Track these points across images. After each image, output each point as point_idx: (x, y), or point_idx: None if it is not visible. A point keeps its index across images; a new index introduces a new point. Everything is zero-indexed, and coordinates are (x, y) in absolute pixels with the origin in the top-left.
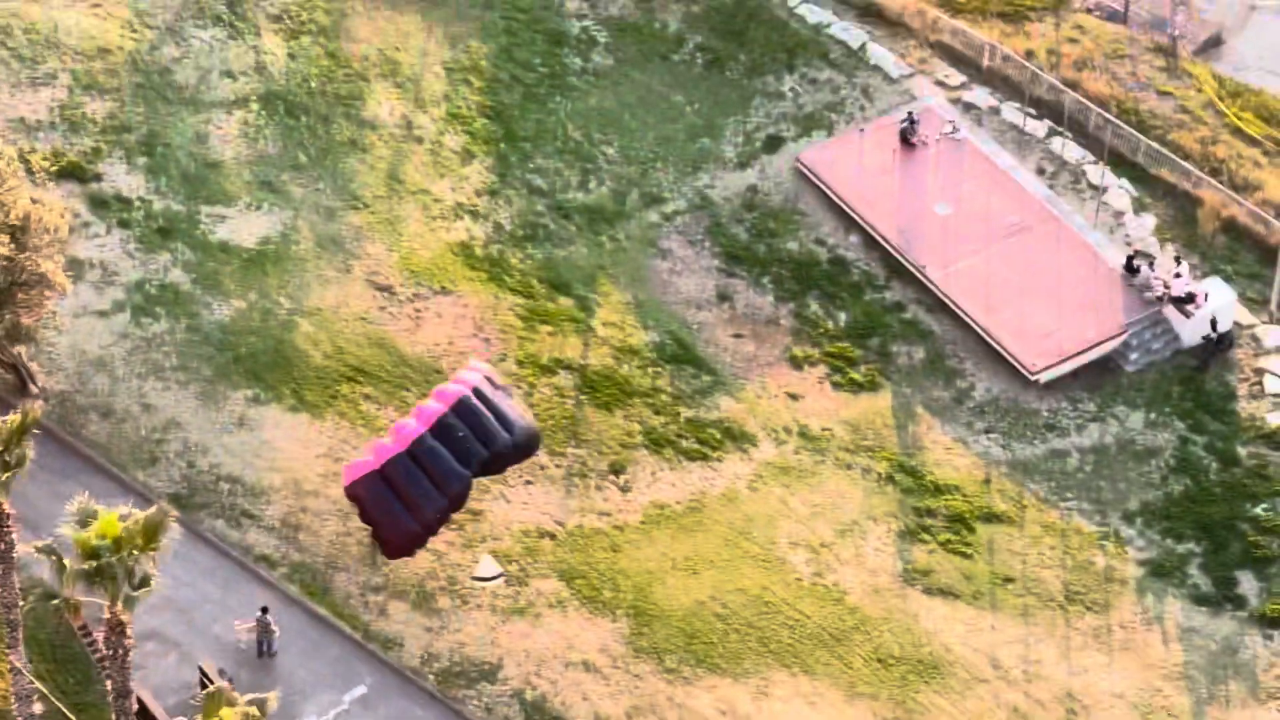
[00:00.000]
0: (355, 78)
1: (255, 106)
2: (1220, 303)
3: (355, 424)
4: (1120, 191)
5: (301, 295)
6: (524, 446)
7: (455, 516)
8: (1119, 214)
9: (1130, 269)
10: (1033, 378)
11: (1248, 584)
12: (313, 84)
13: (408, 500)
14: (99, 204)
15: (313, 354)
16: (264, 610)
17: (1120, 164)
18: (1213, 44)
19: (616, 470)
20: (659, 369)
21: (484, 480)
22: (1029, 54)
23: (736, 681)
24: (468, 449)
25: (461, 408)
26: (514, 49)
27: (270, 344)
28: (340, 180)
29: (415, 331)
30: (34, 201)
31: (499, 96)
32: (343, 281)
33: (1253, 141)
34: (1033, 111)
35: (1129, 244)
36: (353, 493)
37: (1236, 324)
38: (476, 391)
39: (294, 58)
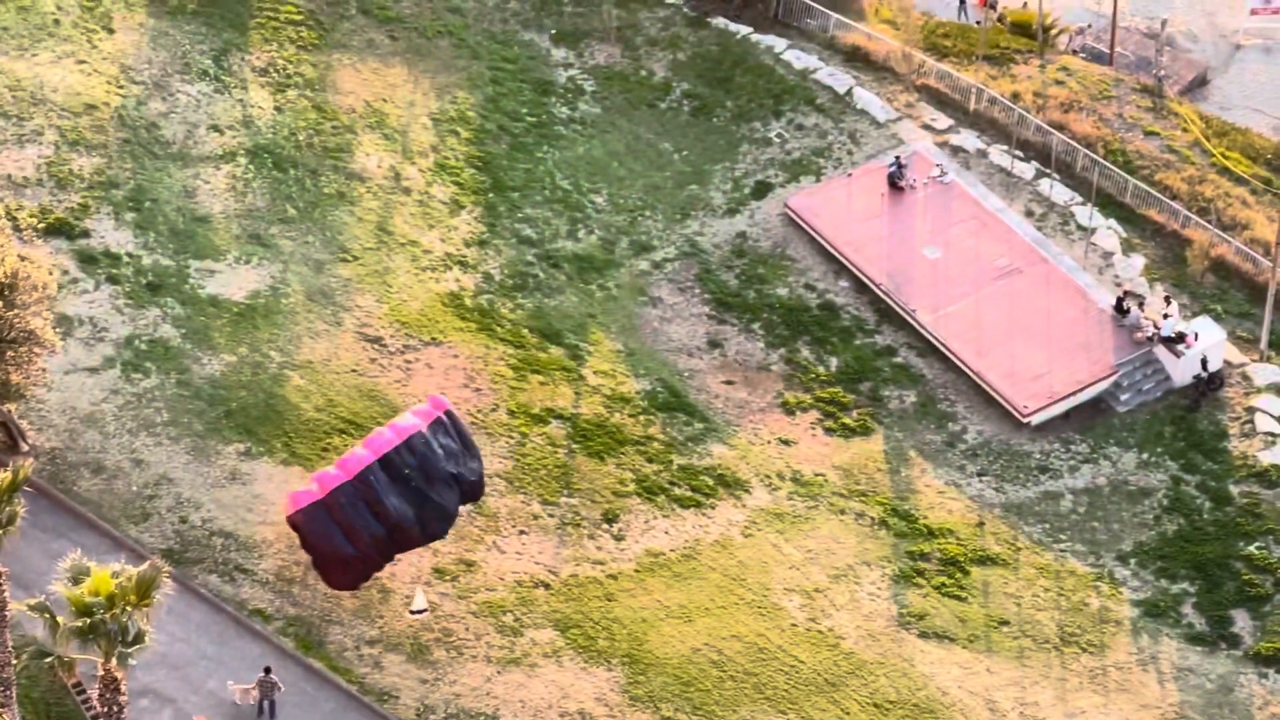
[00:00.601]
0: (342, 130)
1: (243, 160)
2: (1210, 342)
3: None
4: (1109, 232)
5: (292, 348)
6: (469, 493)
7: (450, 567)
8: (1108, 254)
9: (1120, 309)
10: (1024, 420)
11: (1242, 622)
12: (300, 137)
13: (348, 530)
14: (87, 260)
15: (304, 407)
16: (267, 670)
17: (1108, 205)
18: (1198, 84)
19: (610, 519)
20: (651, 417)
21: (477, 530)
22: (1015, 96)
23: None
24: (412, 485)
25: (412, 443)
26: (501, 99)
27: (261, 398)
28: (329, 233)
29: (406, 383)
30: (21, 259)
31: (487, 146)
32: (333, 334)
33: (1240, 180)
34: (1020, 154)
35: (1118, 284)
36: (293, 521)
37: (1227, 363)
38: (431, 427)
39: (281, 111)
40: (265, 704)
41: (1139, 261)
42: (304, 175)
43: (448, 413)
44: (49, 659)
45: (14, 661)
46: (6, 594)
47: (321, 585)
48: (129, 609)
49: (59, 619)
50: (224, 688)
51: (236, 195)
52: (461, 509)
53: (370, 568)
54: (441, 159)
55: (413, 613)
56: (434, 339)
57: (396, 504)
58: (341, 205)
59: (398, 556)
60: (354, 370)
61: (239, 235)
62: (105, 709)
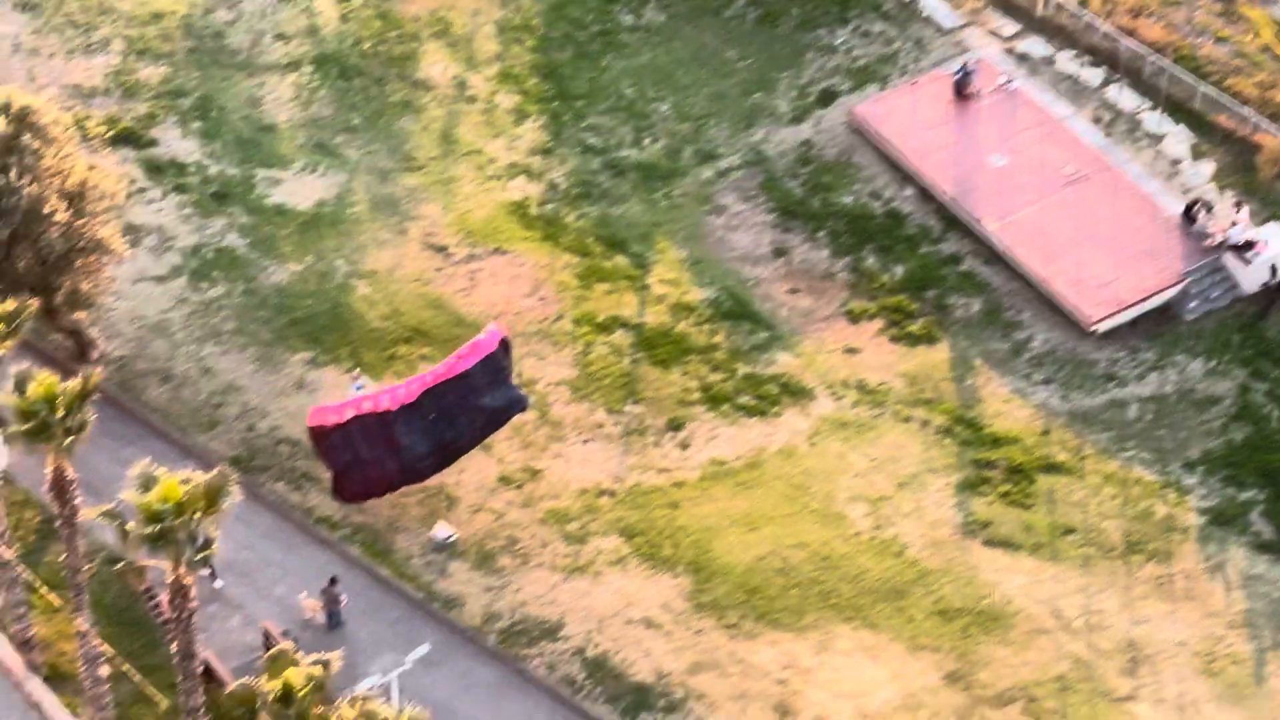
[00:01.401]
0: (407, 39)
1: (308, 69)
2: (1279, 248)
3: None
4: (1177, 139)
5: (358, 257)
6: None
7: (515, 475)
8: (1176, 161)
9: (1188, 217)
10: (1090, 328)
11: None
12: (365, 46)
13: (364, 459)
14: (154, 169)
15: (369, 316)
16: (333, 581)
17: (1177, 110)
18: None
19: (675, 427)
20: (716, 325)
21: (542, 439)
22: (1083, 2)
23: (798, 636)
24: (435, 429)
25: (446, 387)
26: (566, 6)
27: (327, 306)
28: (394, 142)
29: (471, 292)
30: (90, 168)
31: (551, 55)
32: (398, 243)
33: None
34: (1088, 60)
35: (1187, 191)
36: (314, 435)
37: None
38: (468, 373)
39: (346, 20)
40: (328, 614)
41: (1207, 168)
42: (369, 84)
43: (503, 342)
44: (119, 566)
45: (85, 568)
46: (77, 501)
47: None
48: (197, 516)
49: (129, 526)
50: (291, 594)
51: (302, 104)
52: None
53: (379, 491)
54: (506, 67)
55: (438, 542)
56: (499, 248)
57: (412, 441)
58: (406, 114)
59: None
60: (419, 279)
61: (304, 144)
62: (175, 615)
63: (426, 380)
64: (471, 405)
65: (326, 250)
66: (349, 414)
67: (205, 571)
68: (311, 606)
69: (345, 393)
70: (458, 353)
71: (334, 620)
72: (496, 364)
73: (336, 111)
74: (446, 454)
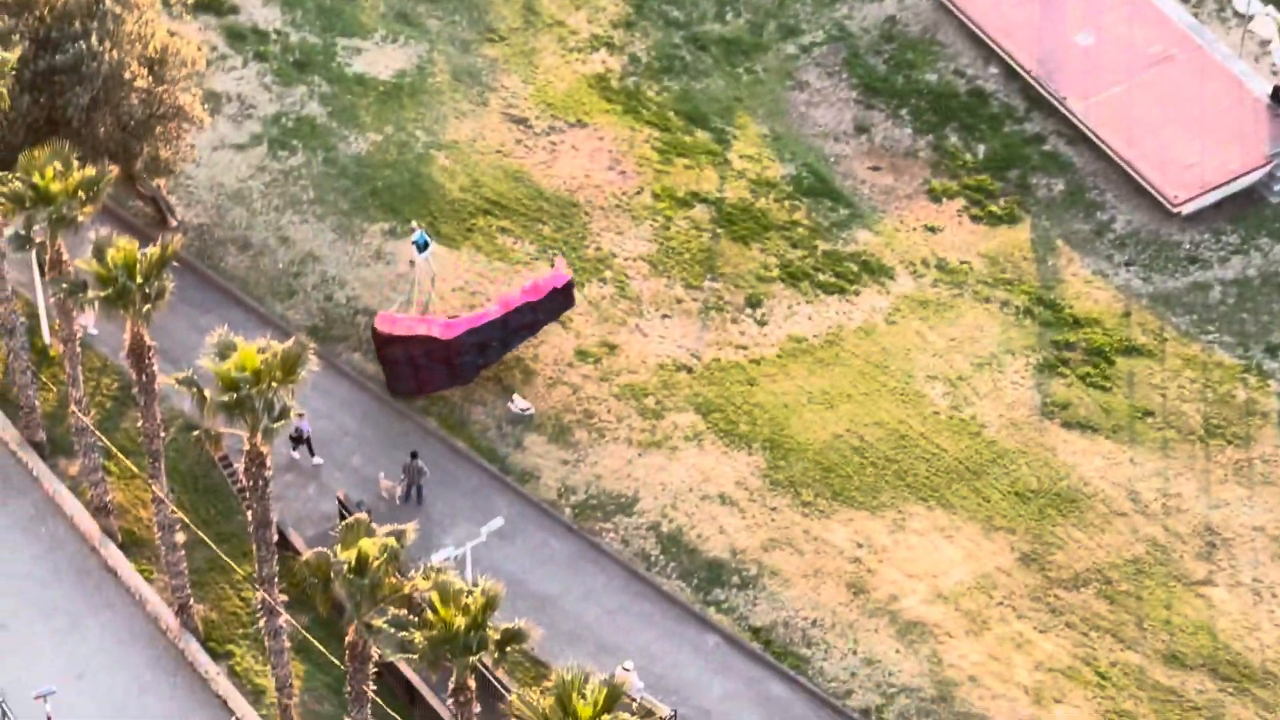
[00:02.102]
0: None
1: None
2: None
3: (491, 257)
4: (1267, 19)
5: (437, 128)
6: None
7: (592, 349)
8: (1265, 42)
9: (1277, 99)
10: (1175, 209)
11: None
12: None
13: (419, 366)
14: (236, 37)
15: (449, 187)
16: (414, 455)
17: None
18: None
19: (753, 304)
20: (796, 202)
21: (620, 313)
22: None
23: (873, 515)
24: (490, 351)
25: (510, 317)
26: None
27: (406, 177)
28: (476, 12)
29: (551, 165)
30: (171, 34)
31: None
32: (478, 114)
33: None
34: None
35: (1275, 73)
36: (376, 339)
37: None
38: (534, 306)
39: None
40: (412, 490)
41: None
42: None
43: (568, 284)
44: (196, 433)
45: (163, 434)
46: (155, 367)
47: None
48: (274, 385)
49: (206, 393)
50: (367, 464)
51: None
52: None
53: (429, 391)
54: None
55: (515, 415)
56: (579, 121)
57: (467, 361)
58: None
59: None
60: (499, 151)
61: (386, 14)
62: (251, 482)
63: (492, 314)
64: (527, 333)
65: (406, 120)
66: (418, 330)
67: (300, 451)
68: (387, 487)
69: (411, 251)
70: (524, 287)
71: (417, 495)
72: (556, 303)
73: None
74: (495, 360)
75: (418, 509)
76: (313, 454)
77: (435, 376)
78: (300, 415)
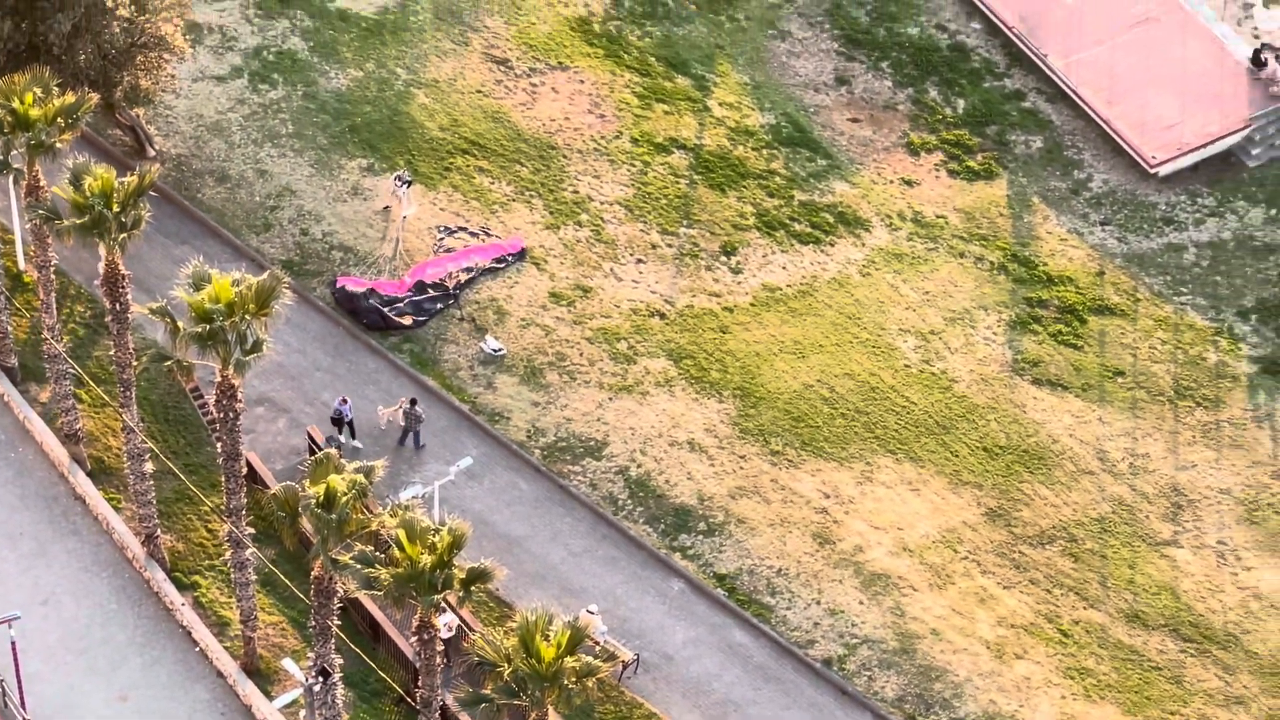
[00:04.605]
0: None
1: None
2: None
3: (469, 196)
4: None
5: (419, 66)
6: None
7: (566, 292)
8: (1248, 5)
9: (1257, 62)
10: (1152, 170)
11: None
12: None
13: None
14: None
15: (428, 125)
16: (413, 402)
17: None
18: None
19: (728, 251)
20: (774, 151)
21: (594, 257)
22: None
23: (841, 466)
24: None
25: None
26: None
27: (386, 114)
28: None
29: (531, 106)
30: None
31: None
32: (460, 54)
33: None
34: None
35: (1257, 37)
36: (334, 293)
37: None
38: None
39: None
40: (410, 435)
41: None
42: None
43: (522, 251)
44: (168, 363)
45: (134, 364)
46: (129, 296)
47: (439, 302)
48: (248, 317)
49: (179, 324)
50: (337, 398)
51: None
52: None
53: (383, 329)
54: None
55: (487, 355)
56: (561, 63)
57: (415, 310)
58: None
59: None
60: (479, 91)
61: None
62: (222, 415)
63: (445, 265)
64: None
65: (387, 58)
66: (364, 287)
67: (342, 434)
68: (387, 414)
69: (398, 195)
70: (478, 247)
71: (416, 440)
72: (506, 264)
73: None
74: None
75: (386, 448)
76: (354, 436)
77: (385, 319)
78: (344, 400)
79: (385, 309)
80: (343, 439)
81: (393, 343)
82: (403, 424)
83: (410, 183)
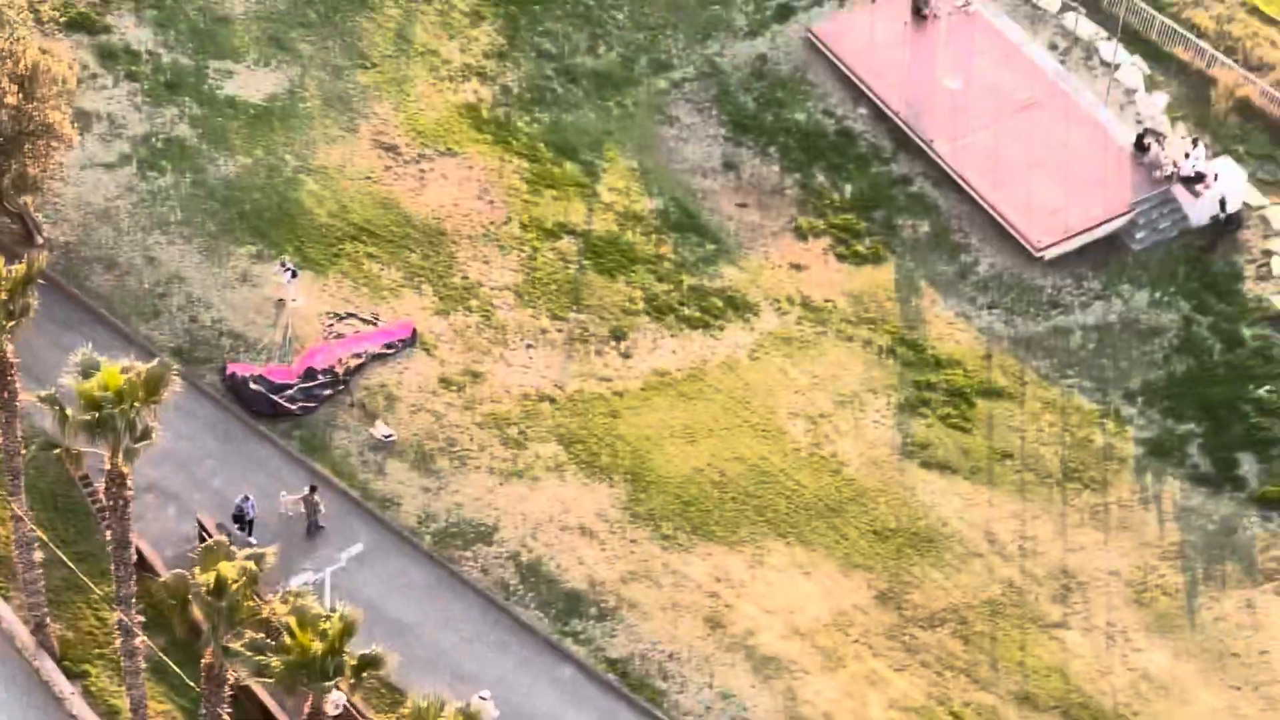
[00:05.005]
0: None
1: None
2: (1230, 183)
3: (358, 282)
4: (1132, 69)
5: (307, 153)
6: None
7: (456, 377)
8: (1131, 91)
9: (1140, 147)
10: (1038, 254)
11: (1248, 465)
12: None
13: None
14: (107, 56)
15: (317, 212)
16: (312, 489)
17: (1133, 41)
18: None
19: (618, 336)
20: (663, 236)
21: (485, 342)
22: None
23: (732, 550)
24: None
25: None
26: None
27: (275, 201)
28: (349, 39)
29: (420, 192)
30: (42, 52)
31: None
32: (349, 140)
33: (1269, 20)
34: None
35: (1140, 122)
36: (223, 379)
37: (1246, 205)
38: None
39: None
40: (309, 522)
41: (1162, 99)
42: None
43: (413, 333)
44: (57, 451)
45: (23, 452)
46: (17, 385)
47: (328, 389)
48: (137, 405)
49: (68, 411)
50: (229, 486)
51: None
52: None
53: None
54: None
55: (377, 441)
56: (449, 149)
57: (302, 396)
58: (362, 11)
59: (400, 366)
60: (368, 177)
61: (259, 37)
62: (111, 502)
63: (335, 351)
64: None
65: (276, 145)
66: (253, 373)
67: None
68: (288, 503)
69: (285, 284)
70: (368, 333)
71: (313, 527)
72: (396, 350)
73: (292, 6)
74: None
75: (278, 535)
76: (251, 533)
77: (273, 406)
78: (246, 498)
79: (275, 395)
80: (242, 536)
81: (283, 429)
82: (304, 512)
83: (295, 272)
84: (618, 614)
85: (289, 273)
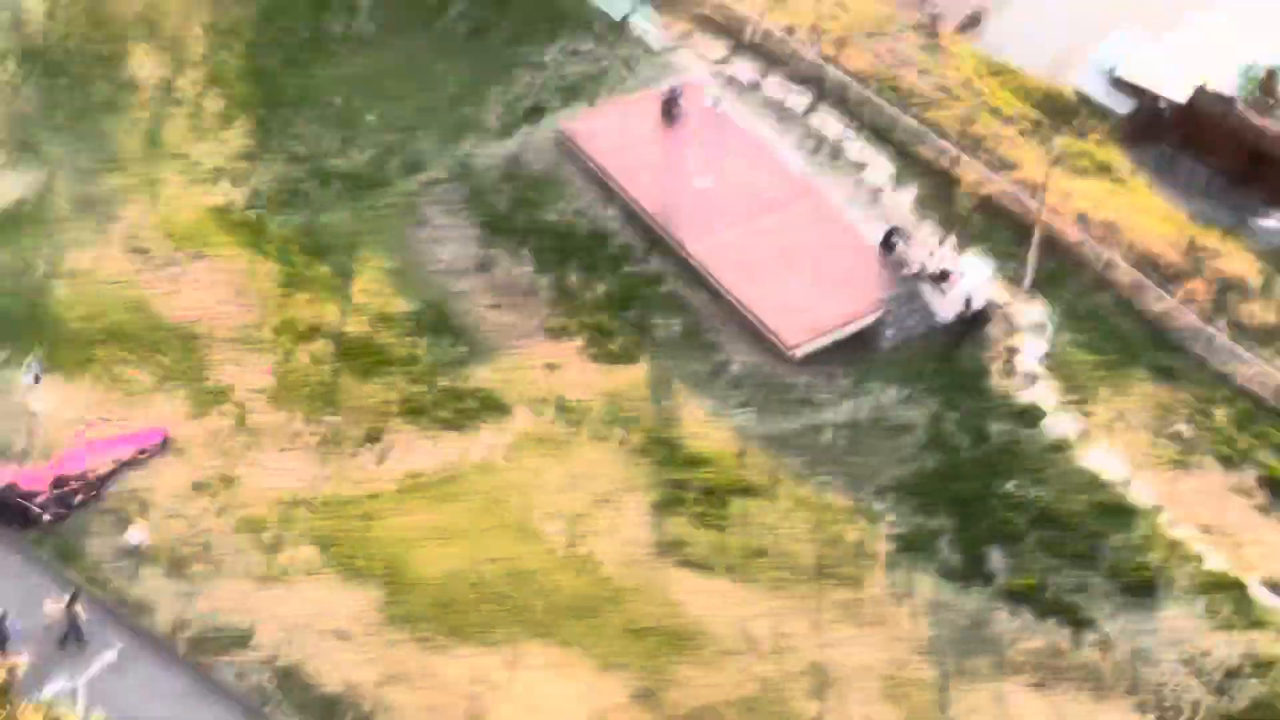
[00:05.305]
0: (115, 38)
1: (11, 64)
2: (975, 280)
3: (110, 387)
4: (879, 167)
5: (57, 257)
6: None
7: (210, 481)
8: (877, 190)
9: (887, 245)
10: (789, 353)
11: (997, 559)
12: (71, 43)
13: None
14: None
15: (67, 316)
16: (73, 598)
17: (879, 140)
18: (972, 23)
19: (372, 438)
20: (417, 338)
21: (238, 447)
22: (791, 29)
23: (489, 650)
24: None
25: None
26: (276, 12)
27: (24, 305)
28: (98, 141)
29: (173, 296)
30: None
31: (260, 60)
32: (99, 244)
33: (1010, 120)
34: (794, 86)
35: (886, 220)
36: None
37: (991, 301)
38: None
39: (52, 16)
40: (70, 630)
41: (907, 197)
42: (74, 82)
43: (165, 440)
44: None
45: None
46: None
47: (80, 496)
48: None
49: None
50: None
51: (4, 100)
52: None
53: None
54: (214, 70)
55: (129, 547)
56: (201, 252)
57: (52, 506)
58: (112, 114)
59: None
60: (120, 281)
61: (6, 140)
62: None
63: (85, 458)
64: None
65: (24, 248)
66: (4, 483)
67: None
68: (53, 612)
69: (45, 393)
70: (120, 438)
71: (75, 636)
72: (148, 455)
73: (40, 108)
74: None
75: (31, 642)
76: (4, 647)
77: (26, 517)
78: (4, 615)
79: (26, 503)
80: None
81: (34, 537)
82: (64, 621)
83: (38, 376)
84: (375, 717)
85: (33, 376)
